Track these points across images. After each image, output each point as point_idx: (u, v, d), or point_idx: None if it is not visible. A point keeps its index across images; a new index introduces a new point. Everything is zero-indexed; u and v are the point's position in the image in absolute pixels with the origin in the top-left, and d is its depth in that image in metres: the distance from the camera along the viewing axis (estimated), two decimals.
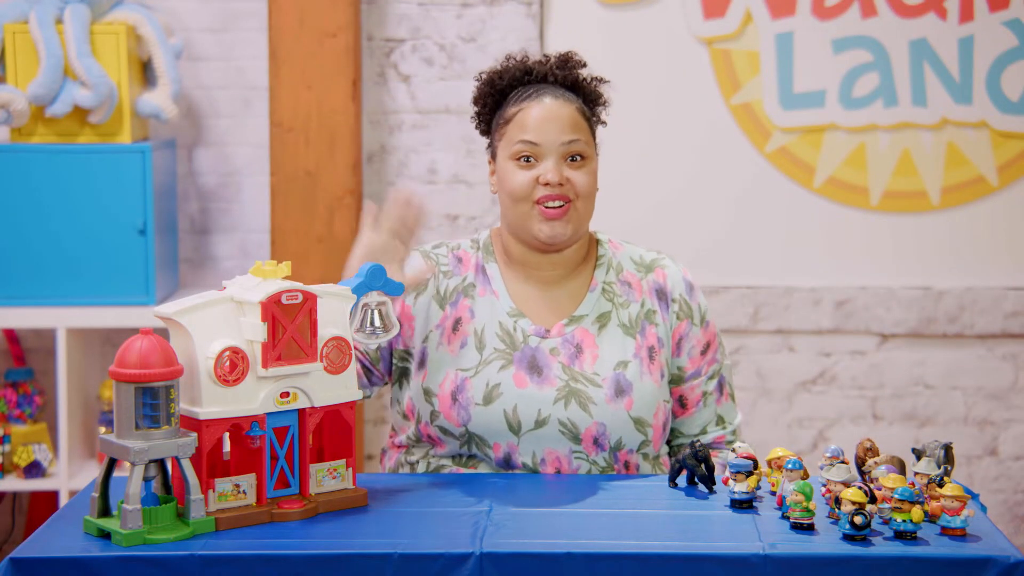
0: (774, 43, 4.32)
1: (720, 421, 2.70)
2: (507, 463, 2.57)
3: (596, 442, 2.55)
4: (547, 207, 2.55)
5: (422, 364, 2.63)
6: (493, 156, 2.64)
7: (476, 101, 2.68)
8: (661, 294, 2.66)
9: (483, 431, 2.56)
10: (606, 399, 2.55)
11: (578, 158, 2.57)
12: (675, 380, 2.67)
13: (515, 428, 2.55)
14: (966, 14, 4.29)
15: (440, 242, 2.72)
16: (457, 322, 2.62)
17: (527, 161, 2.56)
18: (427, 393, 2.60)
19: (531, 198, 2.56)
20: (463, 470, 2.60)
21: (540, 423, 2.55)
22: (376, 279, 2.37)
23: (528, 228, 2.58)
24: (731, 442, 2.70)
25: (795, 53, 4.32)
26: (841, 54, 4.32)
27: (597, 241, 2.71)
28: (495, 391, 2.56)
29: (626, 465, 2.60)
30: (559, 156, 2.56)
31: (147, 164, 4.02)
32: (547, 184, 2.54)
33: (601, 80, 2.66)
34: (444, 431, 2.58)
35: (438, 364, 2.60)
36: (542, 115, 2.56)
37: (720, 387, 2.70)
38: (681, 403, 2.68)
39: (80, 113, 4.02)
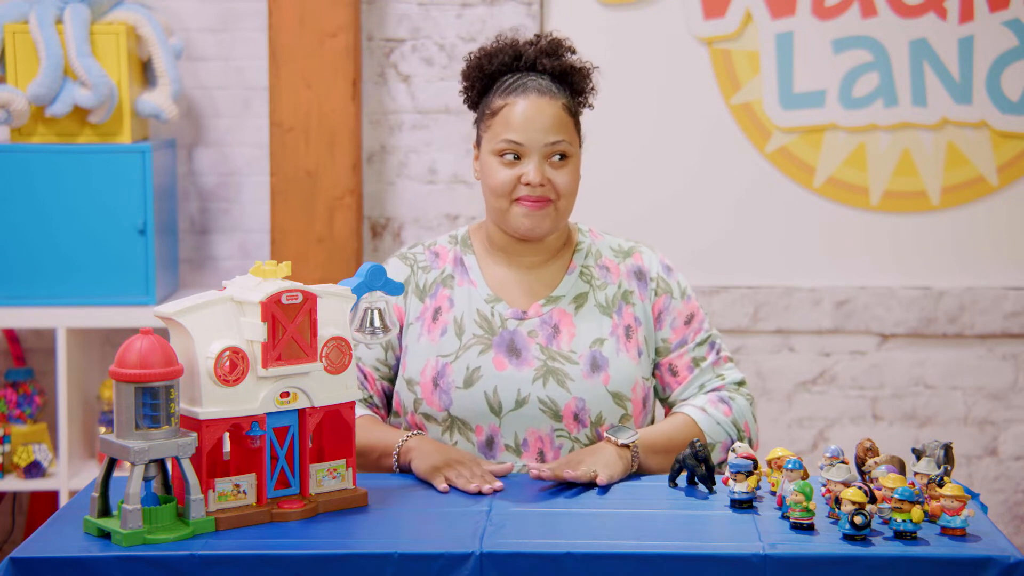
0: (774, 43, 4.32)
1: (719, 377, 2.70)
2: (490, 445, 2.59)
3: (576, 418, 2.58)
4: (528, 202, 2.59)
5: (404, 356, 2.67)
6: (478, 143, 2.68)
7: (465, 76, 2.69)
8: (639, 275, 2.70)
9: (465, 414, 2.59)
10: (583, 375, 2.59)
11: (561, 157, 2.60)
12: (661, 352, 2.69)
13: (496, 409, 2.58)
14: (966, 14, 4.29)
15: (416, 242, 2.76)
16: (437, 312, 2.66)
17: (510, 159, 2.60)
18: (409, 383, 2.63)
19: (511, 196, 2.60)
20: None
21: (520, 403, 2.58)
22: (376, 279, 2.37)
23: (508, 222, 2.63)
24: (739, 385, 2.69)
25: (795, 53, 4.32)
26: (841, 54, 4.32)
27: (578, 230, 2.75)
28: (475, 374, 2.59)
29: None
30: (542, 156, 2.59)
31: (147, 164, 4.02)
32: (528, 184, 2.58)
33: (590, 68, 2.68)
34: (428, 417, 2.61)
35: (419, 354, 2.64)
36: (527, 113, 2.59)
37: (716, 352, 2.71)
38: (672, 371, 2.69)
39: (80, 113, 4.02)
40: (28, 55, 3.99)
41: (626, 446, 2.52)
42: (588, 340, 2.62)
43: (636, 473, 2.53)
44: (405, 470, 2.54)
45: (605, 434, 2.55)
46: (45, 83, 3.94)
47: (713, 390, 2.68)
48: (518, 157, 2.59)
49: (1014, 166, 4.34)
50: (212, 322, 2.22)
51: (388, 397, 2.71)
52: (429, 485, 2.46)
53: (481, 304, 2.65)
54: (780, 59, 4.32)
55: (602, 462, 2.48)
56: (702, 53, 4.35)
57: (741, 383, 2.70)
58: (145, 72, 4.19)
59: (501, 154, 2.60)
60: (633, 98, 4.34)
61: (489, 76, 2.66)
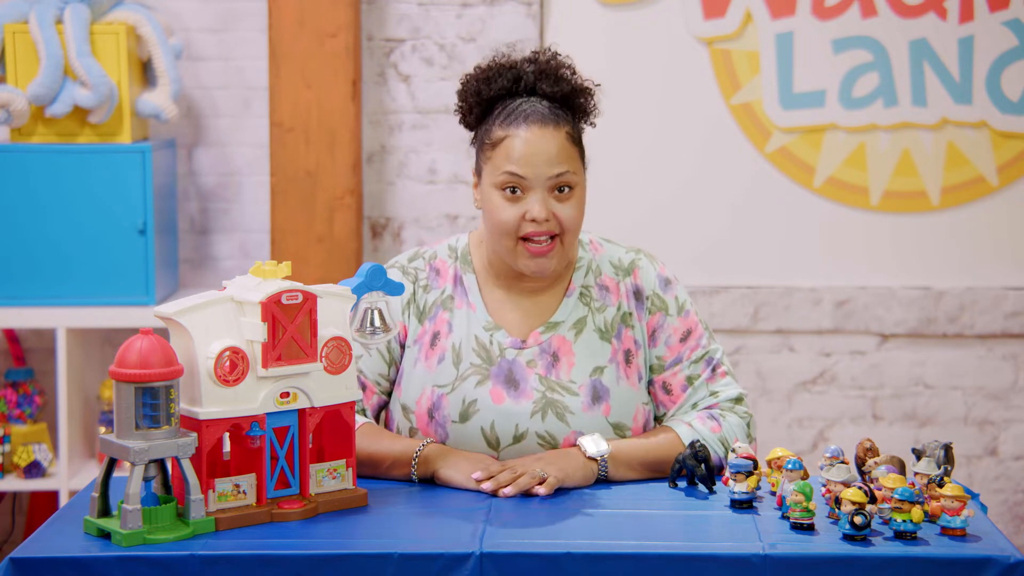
0: (774, 43, 4.32)
1: (713, 395, 2.61)
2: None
3: None
4: (533, 243, 2.51)
5: (400, 378, 2.62)
6: (478, 172, 2.58)
7: (461, 97, 2.60)
8: (638, 295, 2.62)
9: (461, 447, 2.54)
10: (583, 407, 2.53)
11: (565, 189, 2.52)
12: (655, 369, 2.61)
13: (493, 444, 2.54)
14: (966, 14, 4.29)
15: (415, 252, 2.67)
16: (435, 336, 2.60)
17: (513, 192, 2.51)
18: (404, 409, 2.59)
19: (516, 234, 2.52)
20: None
21: (518, 438, 2.53)
22: (376, 279, 2.37)
23: (513, 261, 2.55)
24: (735, 403, 2.60)
25: (795, 53, 4.32)
26: (841, 54, 4.32)
27: (578, 243, 2.67)
28: (472, 408, 2.54)
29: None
30: (546, 189, 2.51)
31: (147, 164, 4.02)
32: (534, 220, 2.50)
33: (591, 88, 2.59)
34: None
35: (415, 380, 2.58)
36: (529, 146, 2.49)
37: (712, 369, 2.61)
38: (666, 389, 2.61)
39: (80, 113, 4.02)
40: (28, 55, 3.99)
41: (593, 459, 2.48)
42: (588, 369, 2.56)
43: (607, 482, 2.48)
44: (426, 479, 2.48)
45: (577, 440, 2.50)
46: (45, 83, 3.94)
47: (706, 408, 2.60)
48: (521, 190, 2.50)
49: (1014, 166, 4.34)
50: (212, 322, 2.22)
51: (380, 410, 2.67)
52: (429, 485, 2.46)
53: (480, 331, 2.58)
54: (780, 59, 4.32)
55: (557, 467, 2.43)
56: (702, 53, 4.35)
57: (738, 400, 2.60)
58: (145, 72, 4.18)
59: (503, 187, 2.51)
60: (633, 98, 4.34)
61: (488, 101, 2.56)
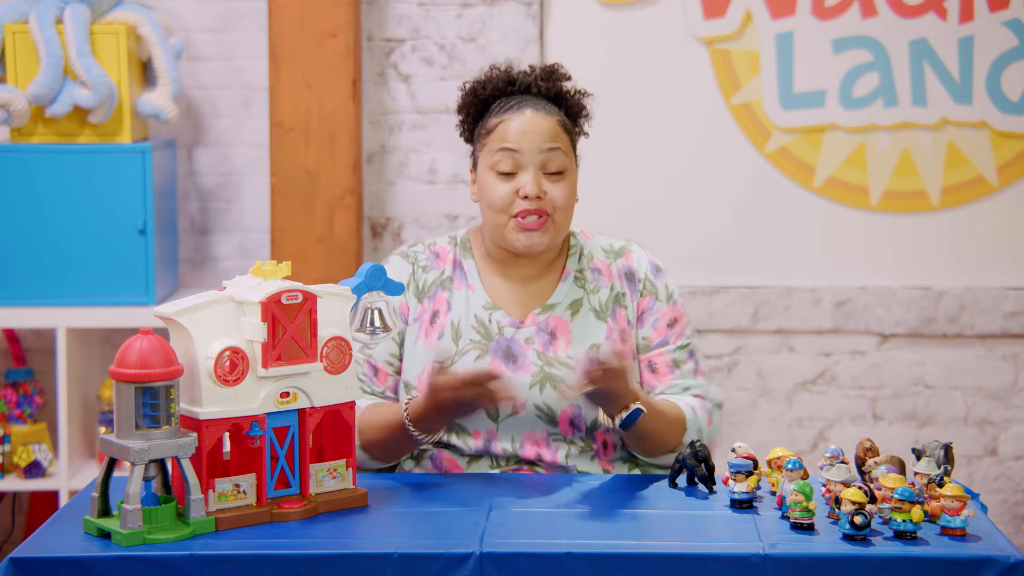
0: (774, 43, 4.32)
1: (702, 389, 2.68)
2: (487, 448, 2.60)
3: (572, 423, 2.59)
4: (525, 220, 2.59)
5: (401, 358, 2.67)
6: (475, 165, 2.68)
7: (460, 110, 2.72)
8: (630, 276, 2.71)
9: (462, 419, 2.59)
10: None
11: (557, 173, 2.61)
12: (641, 349, 2.69)
13: (493, 415, 2.60)
14: (966, 14, 4.29)
15: (416, 241, 2.78)
16: (434, 315, 2.67)
17: (507, 169, 2.60)
18: (407, 386, 2.65)
19: (510, 211, 2.61)
20: (444, 451, 2.62)
21: (517, 409, 2.59)
22: (376, 279, 2.37)
23: (505, 238, 2.63)
24: (718, 407, 2.68)
25: (795, 53, 4.32)
26: (841, 54, 4.32)
27: (570, 233, 2.75)
28: None
29: (604, 445, 2.63)
30: (538, 166, 2.59)
31: (147, 164, 4.02)
32: (525, 197, 2.58)
33: (584, 93, 2.70)
34: None
35: (416, 358, 2.65)
36: (523, 126, 2.60)
37: (695, 362, 2.70)
38: (652, 368, 2.68)
39: (80, 113, 4.02)
40: (28, 55, 3.99)
41: (639, 410, 2.49)
42: (585, 346, 2.62)
43: (627, 424, 2.50)
44: (419, 422, 2.50)
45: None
46: (45, 83, 3.94)
47: (697, 397, 2.67)
48: (513, 173, 2.59)
49: (1014, 166, 4.34)
50: (212, 322, 2.22)
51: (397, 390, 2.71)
52: (429, 484, 2.46)
53: (479, 310, 2.66)
54: (780, 59, 4.32)
55: (624, 390, 2.47)
56: (702, 53, 4.35)
57: (719, 406, 2.70)
58: (145, 72, 4.18)
59: (497, 167, 2.60)
60: (633, 98, 4.34)
61: (483, 101, 2.67)
